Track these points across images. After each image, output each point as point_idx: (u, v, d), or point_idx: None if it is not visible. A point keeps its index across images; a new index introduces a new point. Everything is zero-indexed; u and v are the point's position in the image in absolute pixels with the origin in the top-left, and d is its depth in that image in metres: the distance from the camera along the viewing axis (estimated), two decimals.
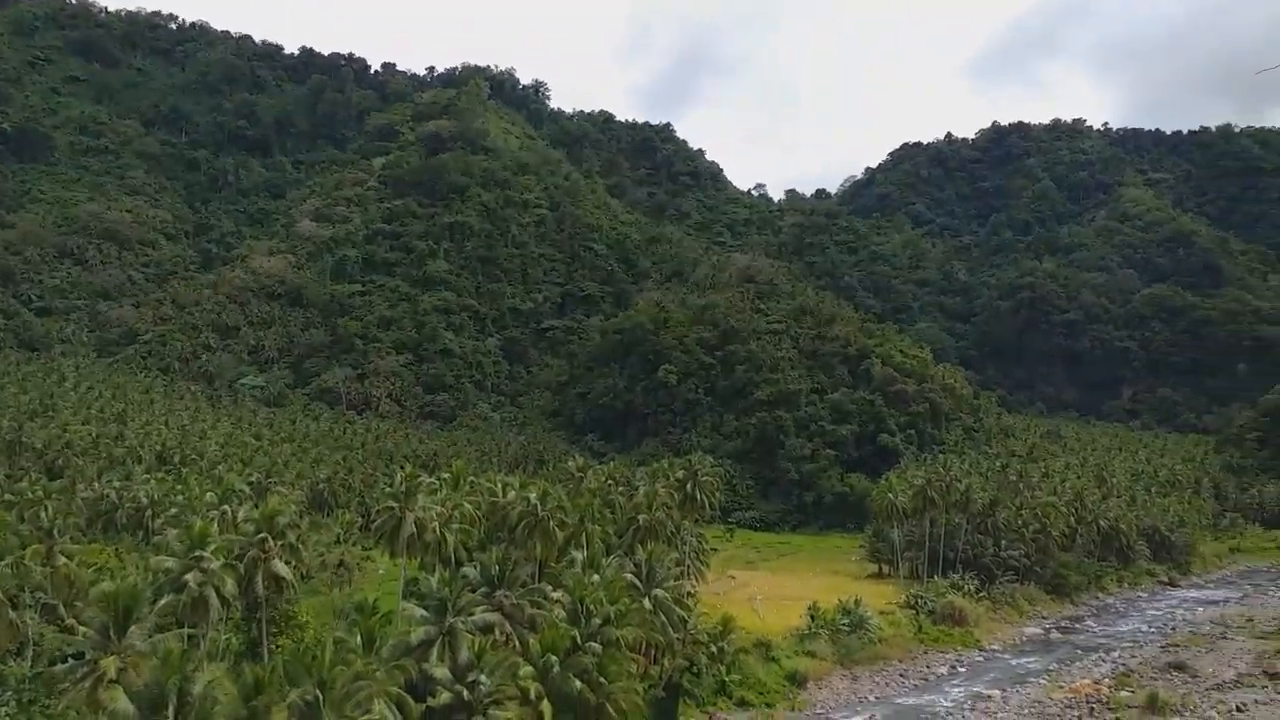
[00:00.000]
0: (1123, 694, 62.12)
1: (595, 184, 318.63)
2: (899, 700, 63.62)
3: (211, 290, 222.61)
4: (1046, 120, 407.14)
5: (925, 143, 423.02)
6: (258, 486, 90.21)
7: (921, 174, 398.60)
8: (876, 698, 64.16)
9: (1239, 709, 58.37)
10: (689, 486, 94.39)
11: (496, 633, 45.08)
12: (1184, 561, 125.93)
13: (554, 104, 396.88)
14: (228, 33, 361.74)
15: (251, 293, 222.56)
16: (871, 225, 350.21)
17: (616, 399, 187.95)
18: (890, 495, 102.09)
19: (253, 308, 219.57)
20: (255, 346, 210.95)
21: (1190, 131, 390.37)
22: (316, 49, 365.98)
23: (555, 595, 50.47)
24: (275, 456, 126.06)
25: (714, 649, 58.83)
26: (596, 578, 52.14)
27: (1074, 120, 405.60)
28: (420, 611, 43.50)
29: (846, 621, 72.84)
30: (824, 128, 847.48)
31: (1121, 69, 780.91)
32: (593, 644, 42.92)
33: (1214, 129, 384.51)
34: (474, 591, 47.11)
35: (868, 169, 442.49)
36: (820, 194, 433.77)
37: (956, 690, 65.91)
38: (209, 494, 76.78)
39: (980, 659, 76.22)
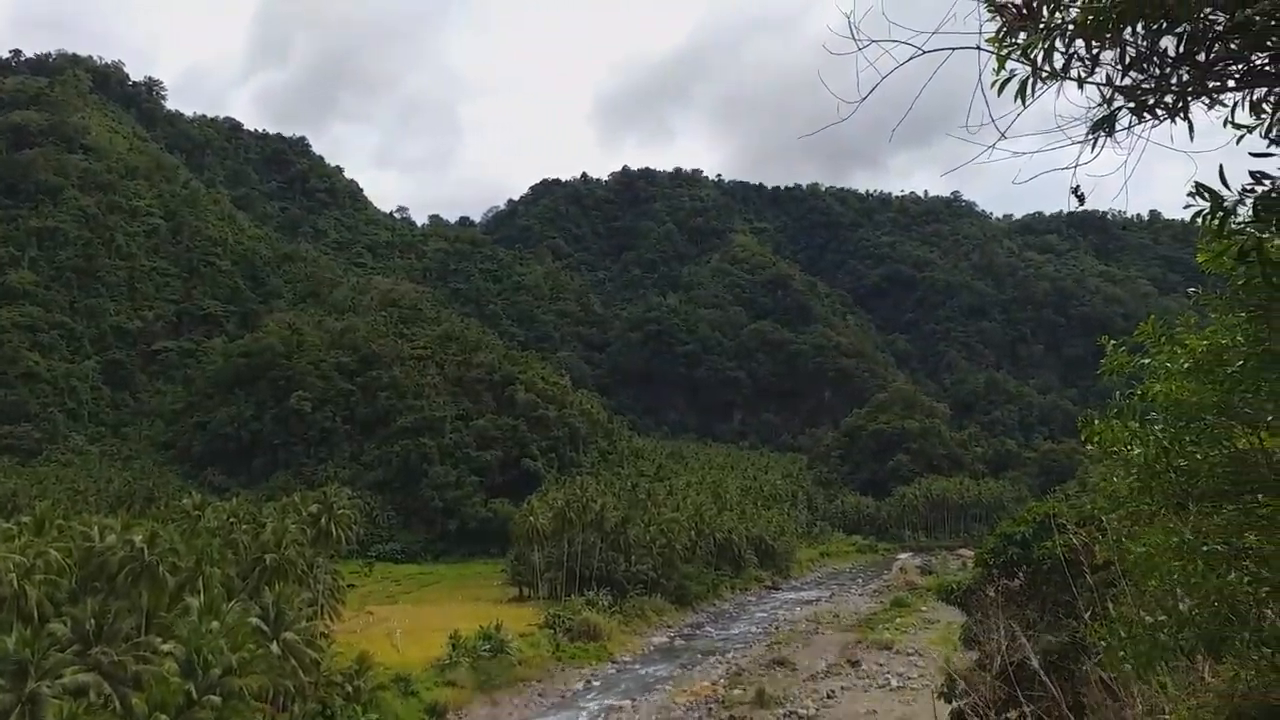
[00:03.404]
0: (735, 692, 68.32)
1: (219, 195, 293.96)
2: None
3: None
4: (670, 168, 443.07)
5: (564, 180, 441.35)
6: None
7: (560, 210, 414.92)
8: None
9: (829, 696, 66.68)
10: (324, 521, 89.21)
11: (93, 695, 39.56)
12: (785, 566, 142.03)
13: (171, 105, 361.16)
14: None
15: None
16: (515, 255, 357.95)
17: (242, 428, 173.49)
18: (531, 518, 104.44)
19: None
20: None
21: (787, 188, 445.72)
22: None
23: (166, 647, 45.32)
24: None
25: (349, 689, 56.15)
26: (216, 625, 47.55)
27: (693, 170, 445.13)
28: None
29: (487, 647, 73.01)
30: (469, 156, 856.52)
31: (735, 126, 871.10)
32: (210, 697, 39.06)
33: (805, 187, 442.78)
34: (63, 651, 41.01)
35: (510, 201, 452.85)
36: (465, 221, 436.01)
37: (592, 704, 68.45)
38: None
39: (613, 671, 79.90)
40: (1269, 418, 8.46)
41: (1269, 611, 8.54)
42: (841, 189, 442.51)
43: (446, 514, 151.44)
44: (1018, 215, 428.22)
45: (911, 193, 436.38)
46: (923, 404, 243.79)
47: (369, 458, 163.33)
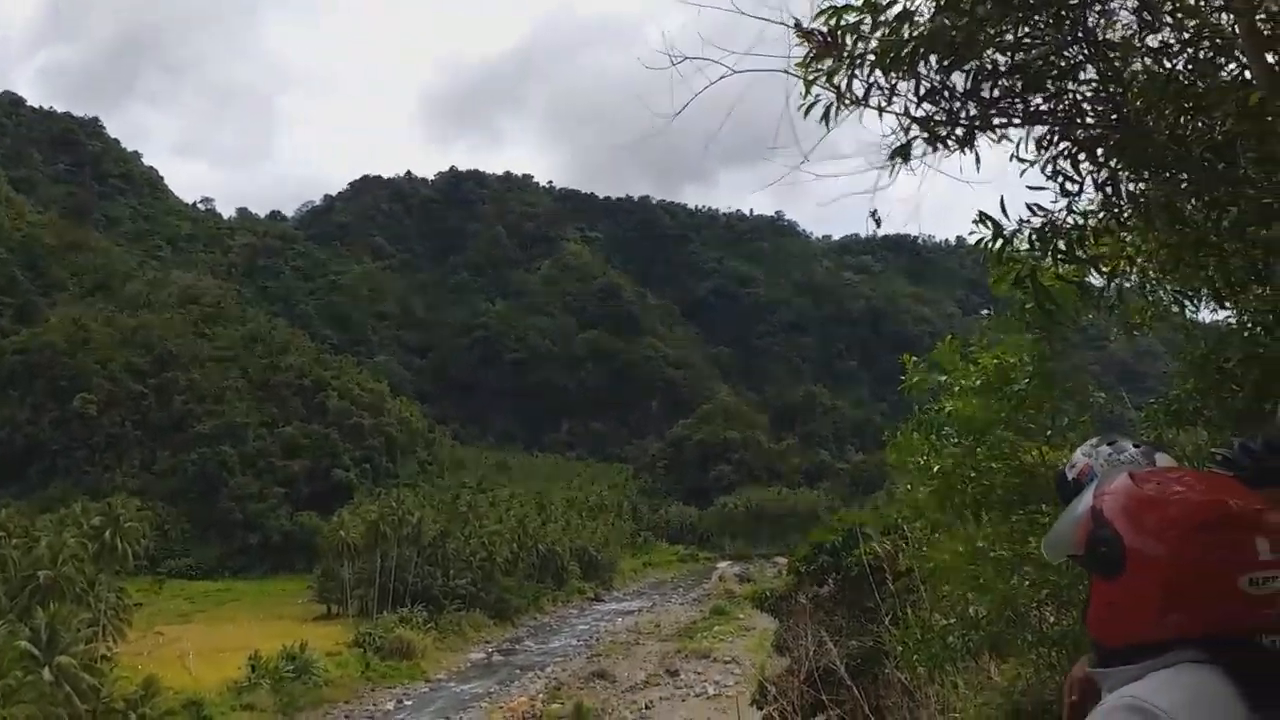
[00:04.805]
0: (554, 706, 67.80)
1: None
2: None
3: None
4: (500, 171, 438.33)
5: (386, 177, 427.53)
6: None
7: (382, 208, 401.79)
8: None
9: (647, 706, 67.40)
10: (108, 534, 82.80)
11: None
12: (608, 578, 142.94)
13: None
14: None
15: None
16: (331, 254, 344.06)
17: (15, 433, 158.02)
18: (342, 532, 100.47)
19: None
20: None
21: (619, 198, 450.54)
22: None
23: None
24: None
25: (133, 716, 52.07)
26: None
27: (524, 175, 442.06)
28: None
29: (290, 668, 69.47)
30: (284, 148, 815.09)
31: (568, 133, 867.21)
32: None
33: (636, 198, 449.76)
34: None
35: (327, 196, 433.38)
36: (276, 215, 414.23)
37: None
38: None
39: (427, 690, 77.65)
40: (1049, 432, 9.00)
41: (1047, 613, 9.04)
42: (672, 203, 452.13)
43: (247, 527, 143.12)
44: (836, 236, 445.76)
45: (738, 210, 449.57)
46: (744, 415, 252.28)
47: (162, 466, 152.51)
